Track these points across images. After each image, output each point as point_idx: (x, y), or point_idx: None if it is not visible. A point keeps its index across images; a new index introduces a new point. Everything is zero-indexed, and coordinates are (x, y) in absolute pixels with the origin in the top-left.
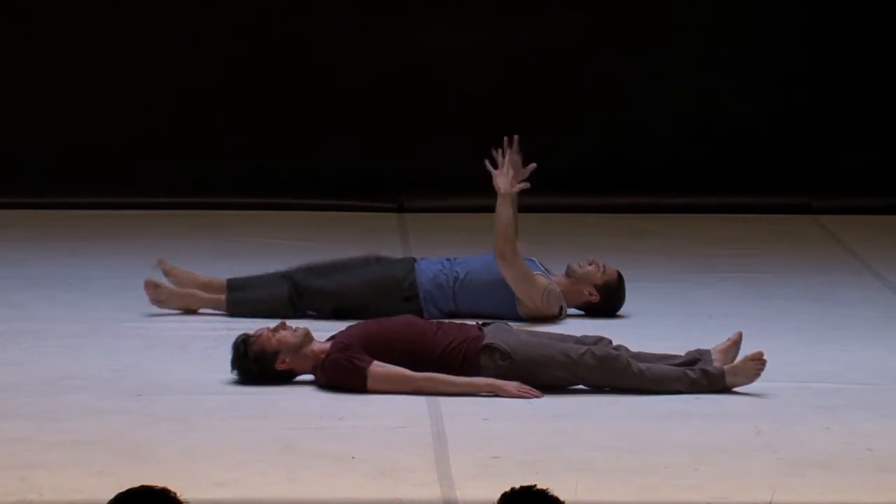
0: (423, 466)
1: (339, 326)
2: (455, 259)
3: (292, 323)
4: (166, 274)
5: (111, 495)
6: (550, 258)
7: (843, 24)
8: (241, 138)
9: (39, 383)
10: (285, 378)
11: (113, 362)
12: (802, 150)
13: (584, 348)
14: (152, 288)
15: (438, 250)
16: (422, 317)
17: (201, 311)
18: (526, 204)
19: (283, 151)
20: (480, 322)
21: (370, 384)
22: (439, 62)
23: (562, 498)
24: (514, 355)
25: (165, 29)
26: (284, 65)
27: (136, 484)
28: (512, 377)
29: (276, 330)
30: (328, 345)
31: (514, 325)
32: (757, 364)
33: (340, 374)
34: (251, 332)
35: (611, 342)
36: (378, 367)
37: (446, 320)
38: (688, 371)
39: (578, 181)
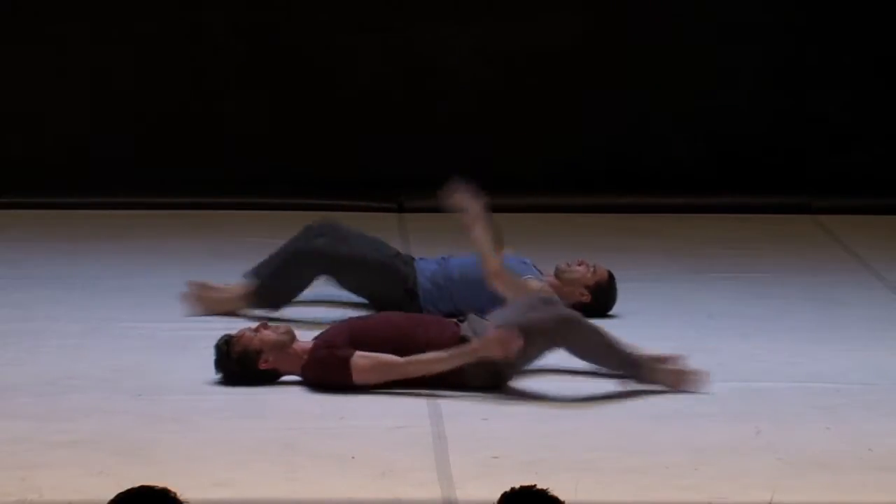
0: (423, 466)
1: (323, 323)
2: (449, 258)
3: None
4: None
5: (111, 495)
6: (550, 258)
7: (843, 23)
8: (241, 139)
9: (39, 383)
10: (269, 378)
11: (113, 362)
12: (802, 149)
13: (538, 315)
14: (193, 297)
15: (438, 250)
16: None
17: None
18: (527, 204)
19: (284, 151)
20: (459, 318)
21: (355, 376)
22: (439, 62)
23: (562, 498)
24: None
25: (166, 29)
26: (284, 65)
27: (136, 484)
28: (491, 368)
29: (257, 329)
30: (311, 344)
31: None
32: (685, 378)
33: (325, 370)
34: (233, 332)
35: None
36: (361, 357)
37: (427, 315)
38: (631, 352)
39: (578, 181)
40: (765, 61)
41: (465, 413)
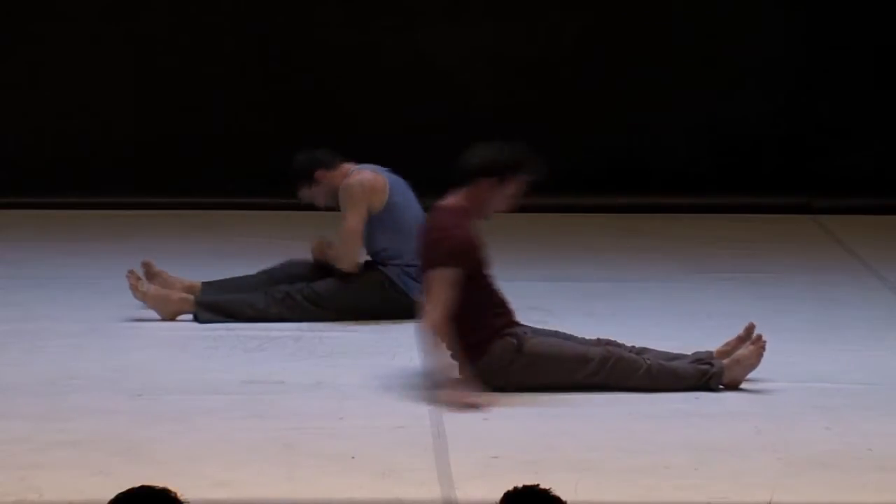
0: (423, 466)
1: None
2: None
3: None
4: (150, 277)
5: (111, 495)
6: (550, 258)
7: (843, 24)
8: (240, 138)
9: (39, 383)
10: None
11: (113, 362)
12: (802, 150)
13: (592, 347)
14: (134, 278)
15: None
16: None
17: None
18: (527, 204)
19: (283, 151)
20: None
21: (435, 272)
22: (439, 62)
23: (562, 498)
24: (525, 348)
25: (165, 29)
26: (284, 65)
27: (136, 484)
28: (515, 369)
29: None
30: (462, 201)
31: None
32: (755, 350)
33: (441, 238)
34: None
35: (610, 341)
36: (452, 277)
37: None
38: (698, 365)
39: (578, 181)
40: (765, 62)
41: (465, 413)
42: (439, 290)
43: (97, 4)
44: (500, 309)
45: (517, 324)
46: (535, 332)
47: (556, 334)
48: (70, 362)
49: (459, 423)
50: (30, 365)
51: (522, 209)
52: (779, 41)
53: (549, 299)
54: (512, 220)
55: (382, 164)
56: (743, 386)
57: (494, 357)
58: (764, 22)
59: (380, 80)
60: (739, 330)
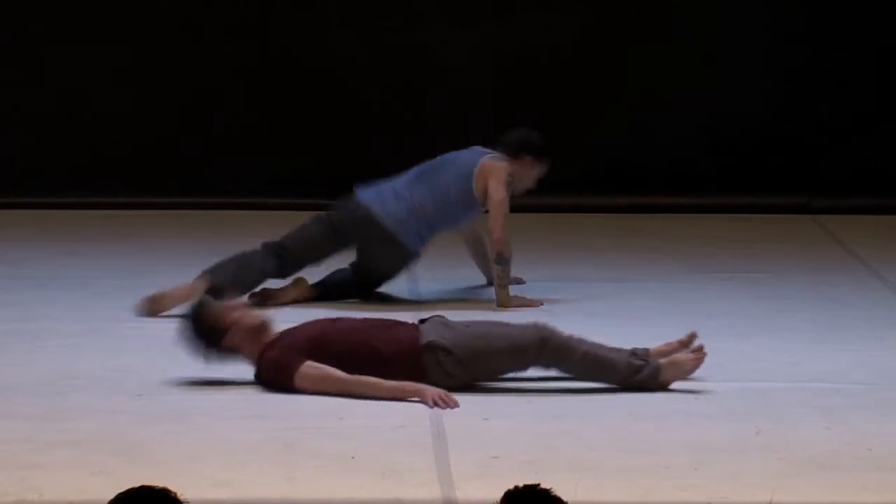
0: (423, 466)
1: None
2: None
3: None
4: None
5: (111, 495)
6: (549, 258)
7: (843, 24)
8: (241, 138)
9: (39, 383)
10: (226, 354)
11: (113, 362)
12: (802, 150)
13: (527, 333)
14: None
15: (437, 249)
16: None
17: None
18: (527, 204)
19: (284, 151)
20: (418, 319)
21: (297, 381)
22: (439, 62)
23: (562, 498)
24: (455, 350)
25: (165, 29)
26: (284, 65)
27: (136, 484)
28: (459, 372)
29: (235, 308)
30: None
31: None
32: (694, 358)
33: (271, 371)
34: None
35: (546, 326)
36: (310, 367)
37: (387, 320)
38: (630, 359)
39: (578, 181)
40: (765, 61)
41: (465, 413)
42: (320, 383)
43: (97, 4)
44: (375, 347)
45: (416, 326)
46: (447, 326)
47: (472, 324)
48: (70, 362)
49: (459, 423)
50: (30, 365)
51: (522, 209)
52: (779, 41)
53: (550, 299)
54: (512, 220)
55: (384, 162)
56: (743, 386)
57: (433, 371)
58: (764, 22)
59: (380, 80)
60: (740, 329)
